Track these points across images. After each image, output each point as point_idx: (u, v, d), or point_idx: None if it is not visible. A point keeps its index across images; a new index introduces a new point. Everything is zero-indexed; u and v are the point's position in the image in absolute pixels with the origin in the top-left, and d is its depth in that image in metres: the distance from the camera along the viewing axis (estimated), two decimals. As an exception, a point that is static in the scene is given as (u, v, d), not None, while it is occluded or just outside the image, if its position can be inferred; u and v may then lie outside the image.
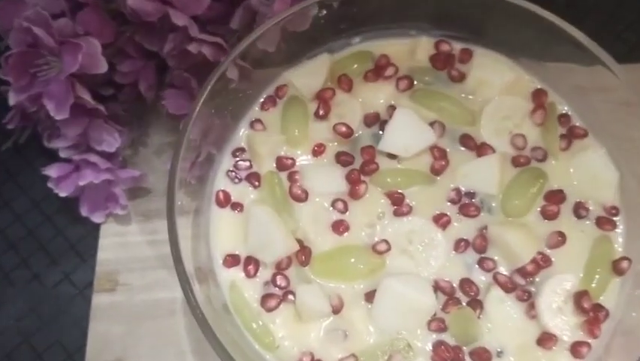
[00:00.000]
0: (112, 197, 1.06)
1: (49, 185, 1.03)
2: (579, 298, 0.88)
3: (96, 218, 1.08)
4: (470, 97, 1.02)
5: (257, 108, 1.03)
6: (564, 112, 1.01)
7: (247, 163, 0.99)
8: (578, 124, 1.00)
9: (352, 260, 0.92)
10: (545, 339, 0.87)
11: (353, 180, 0.96)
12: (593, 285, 0.90)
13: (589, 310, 0.88)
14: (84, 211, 1.07)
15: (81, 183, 1.01)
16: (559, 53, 0.97)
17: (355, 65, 1.05)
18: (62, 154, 1.06)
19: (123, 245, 1.07)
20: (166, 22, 0.99)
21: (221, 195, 0.97)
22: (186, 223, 0.91)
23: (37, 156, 1.14)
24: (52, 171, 1.03)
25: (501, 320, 0.89)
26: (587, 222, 0.94)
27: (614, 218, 0.94)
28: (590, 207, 0.95)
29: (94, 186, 1.04)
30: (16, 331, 1.04)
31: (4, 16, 0.97)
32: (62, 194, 1.03)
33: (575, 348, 0.87)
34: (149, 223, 1.09)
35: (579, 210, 0.94)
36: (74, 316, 1.04)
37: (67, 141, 1.04)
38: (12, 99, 0.99)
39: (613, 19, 1.22)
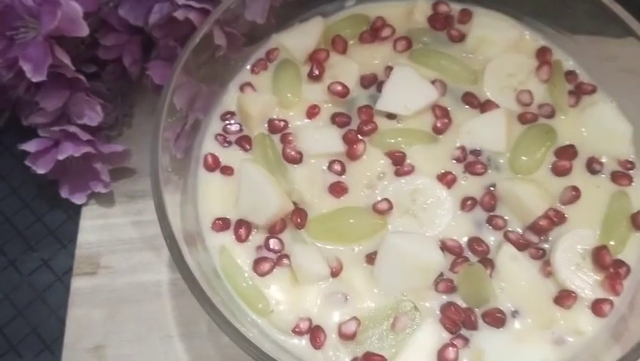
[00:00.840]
0: (93, 174, 0.99)
1: (27, 163, 0.97)
2: (598, 253, 0.82)
3: (77, 199, 1.01)
4: (471, 56, 0.98)
5: (247, 70, 0.98)
6: (570, 69, 0.96)
7: (237, 126, 0.94)
8: (585, 80, 0.95)
9: (351, 221, 0.86)
10: (564, 297, 0.81)
11: (350, 140, 0.90)
12: (612, 241, 0.84)
13: (609, 265, 0.81)
14: (64, 193, 1.01)
15: (60, 158, 0.95)
16: (568, 17, 0.94)
17: (349, 29, 1.00)
18: (42, 133, 0.99)
19: (105, 227, 1.01)
20: (152, -8, 0.95)
21: (209, 158, 0.91)
22: (174, 194, 0.85)
23: (16, 140, 1.06)
24: (30, 145, 0.97)
25: (515, 279, 0.82)
26: (602, 176, 0.89)
27: (630, 172, 0.89)
28: (604, 161, 0.89)
29: (75, 164, 0.98)
30: (-11, 320, 0.96)
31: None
32: (40, 171, 0.96)
33: (597, 306, 0.80)
34: (134, 204, 1.02)
35: (593, 165, 0.89)
36: (52, 304, 0.97)
37: (47, 117, 0.98)
38: (-13, 65, 0.93)
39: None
